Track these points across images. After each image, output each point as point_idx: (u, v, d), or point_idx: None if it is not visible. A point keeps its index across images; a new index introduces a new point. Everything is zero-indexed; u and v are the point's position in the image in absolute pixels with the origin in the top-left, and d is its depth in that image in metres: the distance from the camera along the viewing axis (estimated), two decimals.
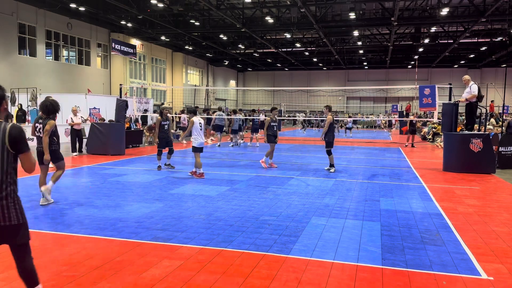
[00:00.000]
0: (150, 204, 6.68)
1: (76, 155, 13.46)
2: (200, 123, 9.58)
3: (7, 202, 2.82)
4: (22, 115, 18.19)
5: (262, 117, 21.26)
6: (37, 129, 6.90)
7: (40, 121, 6.87)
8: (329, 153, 10.75)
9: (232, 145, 18.14)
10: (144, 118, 22.26)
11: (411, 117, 21.21)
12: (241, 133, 19.49)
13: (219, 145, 18.09)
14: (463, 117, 14.83)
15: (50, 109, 6.76)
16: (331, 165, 10.79)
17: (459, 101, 11.40)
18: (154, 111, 24.11)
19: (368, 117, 39.97)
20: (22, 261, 2.93)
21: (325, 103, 12.91)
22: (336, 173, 10.42)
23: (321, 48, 38.59)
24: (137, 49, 34.28)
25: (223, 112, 19.67)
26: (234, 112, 19.90)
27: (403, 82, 47.90)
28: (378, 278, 3.88)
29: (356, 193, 7.88)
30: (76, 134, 13.73)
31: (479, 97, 11.19)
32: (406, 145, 18.79)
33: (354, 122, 34.70)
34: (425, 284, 3.78)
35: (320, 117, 35.93)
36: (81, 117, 14.11)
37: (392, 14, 24.80)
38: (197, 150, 9.47)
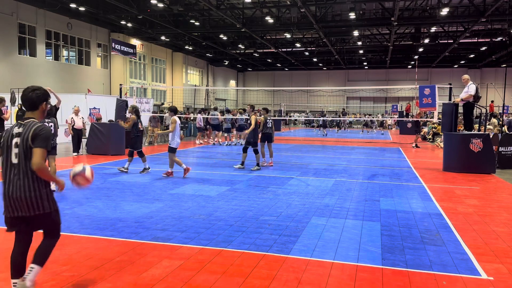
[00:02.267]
0: (150, 204, 6.68)
1: (76, 155, 13.46)
2: (179, 123, 9.56)
3: (35, 193, 3.15)
4: (22, 115, 18.11)
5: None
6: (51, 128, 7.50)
7: (48, 120, 7.49)
8: (256, 151, 10.87)
9: (227, 144, 18.67)
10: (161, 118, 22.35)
11: (415, 117, 21.14)
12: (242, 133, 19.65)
13: (214, 144, 18.63)
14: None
15: (50, 111, 7.54)
16: (257, 164, 10.89)
17: (456, 101, 11.39)
18: (161, 111, 24.10)
19: (361, 117, 39.76)
20: (47, 241, 3.32)
21: (325, 103, 13.00)
22: (336, 173, 10.42)
23: (321, 48, 38.58)
24: (137, 49, 34.29)
25: (219, 112, 19.84)
26: (228, 111, 20.12)
27: (403, 82, 47.90)
28: (378, 278, 3.88)
29: (356, 193, 7.88)
30: (77, 134, 13.71)
31: (476, 98, 11.18)
32: (413, 146, 18.53)
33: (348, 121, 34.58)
34: (425, 284, 3.78)
35: (318, 117, 35.94)
36: (82, 117, 14.10)
37: (392, 14, 24.80)
38: (174, 151, 9.42)
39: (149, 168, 10.17)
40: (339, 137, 27.05)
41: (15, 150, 3.16)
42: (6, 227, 3.28)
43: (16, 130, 3.20)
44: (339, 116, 37.26)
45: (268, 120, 11.52)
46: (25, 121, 3.25)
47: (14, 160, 3.16)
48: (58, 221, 3.39)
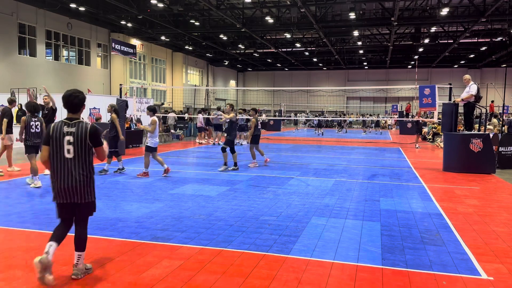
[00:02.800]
0: (150, 204, 6.68)
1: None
2: (158, 123, 9.51)
3: (84, 184, 3.74)
4: (22, 115, 18.16)
5: (263, 116, 21.46)
6: (33, 126, 8.18)
7: (35, 119, 8.18)
8: (232, 151, 10.72)
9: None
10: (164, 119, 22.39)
11: (416, 118, 21.13)
12: (245, 133, 19.64)
13: (214, 144, 18.66)
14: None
15: (37, 108, 8.26)
16: (235, 164, 10.76)
17: (456, 101, 11.39)
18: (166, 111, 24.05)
19: (358, 118, 39.68)
20: (82, 229, 3.86)
21: (325, 103, 13.03)
22: (336, 173, 10.42)
23: (321, 48, 38.58)
24: (137, 49, 34.28)
25: (222, 111, 19.76)
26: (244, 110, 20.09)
27: (403, 82, 47.91)
28: (378, 278, 3.88)
29: (356, 193, 7.88)
30: None
31: (477, 98, 11.18)
32: (416, 147, 18.47)
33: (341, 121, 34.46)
34: (425, 284, 3.78)
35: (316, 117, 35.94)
36: (82, 118, 14.08)
37: (392, 14, 24.80)
38: (153, 150, 9.39)
39: (123, 168, 10.02)
40: (339, 137, 27.05)
41: (67, 147, 3.72)
42: (56, 212, 3.85)
43: (67, 129, 3.74)
44: (340, 116, 37.24)
45: (257, 121, 11.57)
46: (72, 121, 3.80)
47: (67, 155, 3.72)
48: (94, 210, 3.97)
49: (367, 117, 35.70)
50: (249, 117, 20.10)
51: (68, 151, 3.72)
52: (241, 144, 18.89)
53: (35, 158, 8.29)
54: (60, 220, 3.85)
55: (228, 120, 10.80)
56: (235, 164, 10.75)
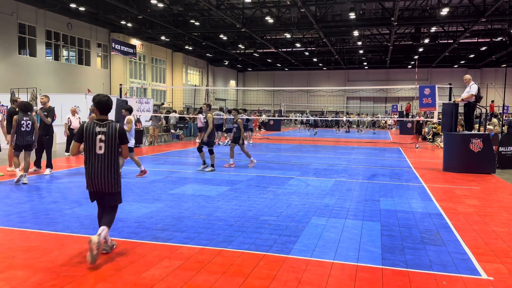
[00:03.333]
0: (150, 204, 6.68)
1: (68, 155, 13.44)
2: (134, 122, 9.46)
3: (113, 177, 4.35)
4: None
5: (263, 116, 21.42)
6: (24, 125, 8.31)
7: (25, 118, 8.32)
8: (211, 152, 10.54)
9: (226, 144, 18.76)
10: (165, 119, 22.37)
11: (417, 118, 21.08)
12: (244, 133, 19.66)
13: (218, 144, 18.52)
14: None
15: (28, 108, 8.47)
16: (212, 165, 10.57)
17: (456, 101, 11.40)
18: (167, 111, 23.99)
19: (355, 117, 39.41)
20: (110, 216, 4.40)
21: (325, 103, 12.96)
22: (336, 173, 10.42)
23: (321, 48, 38.58)
24: (137, 49, 34.29)
25: (224, 112, 19.75)
26: (229, 112, 20.03)
27: (403, 82, 47.91)
28: (378, 278, 3.88)
29: (356, 193, 7.88)
30: (72, 134, 13.65)
31: (478, 98, 11.18)
32: (417, 147, 18.45)
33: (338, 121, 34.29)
34: (425, 284, 3.78)
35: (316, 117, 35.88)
36: (79, 117, 14.06)
37: (392, 14, 24.81)
38: (132, 150, 9.37)
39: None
40: (339, 137, 27.05)
41: (99, 144, 4.28)
42: (90, 197, 4.50)
43: (98, 129, 4.30)
44: (337, 116, 37.16)
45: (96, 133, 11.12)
46: (103, 122, 4.34)
47: (99, 151, 4.29)
48: (120, 200, 4.53)
49: (363, 117, 35.64)
50: (248, 118, 20.17)
51: (100, 148, 4.29)
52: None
53: (30, 155, 8.59)
54: (98, 205, 4.52)
55: (205, 120, 10.63)
56: (213, 165, 10.53)
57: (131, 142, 9.28)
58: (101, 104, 4.39)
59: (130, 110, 9.38)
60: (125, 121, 9.26)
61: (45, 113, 9.50)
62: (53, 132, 9.94)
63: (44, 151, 9.66)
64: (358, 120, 34.14)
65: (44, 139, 9.44)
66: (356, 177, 9.83)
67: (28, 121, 8.37)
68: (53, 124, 9.96)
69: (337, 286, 3.72)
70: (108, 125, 4.32)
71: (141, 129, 18.16)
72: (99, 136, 4.29)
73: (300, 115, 41.54)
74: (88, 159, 4.34)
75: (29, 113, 8.51)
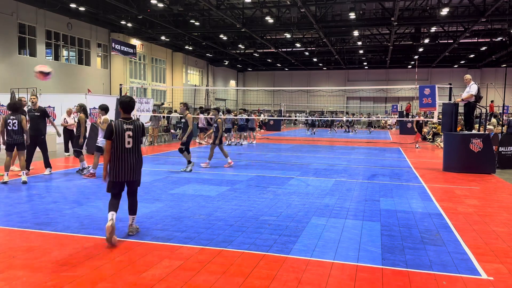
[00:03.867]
0: (150, 204, 6.68)
1: (68, 155, 13.44)
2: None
3: (137, 167, 5.06)
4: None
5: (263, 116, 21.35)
6: (11, 124, 8.38)
7: (13, 117, 8.40)
8: (187, 150, 10.42)
9: (228, 144, 18.79)
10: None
11: (417, 118, 21.07)
12: (245, 133, 19.66)
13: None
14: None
15: (18, 107, 8.64)
16: (189, 161, 10.46)
17: (456, 101, 11.39)
18: (169, 111, 23.91)
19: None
20: (134, 198, 5.15)
21: (325, 103, 12.87)
22: (336, 173, 10.42)
23: (321, 48, 38.57)
24: (137, 49, 34.27)
25: (224, 112, 19.74)
26: (228, 111, 20.00)
27: (403, 82, 47.89)
28: (378, 278, 3.88)
29: (356, 193, 7.88)
30: (69, 134, 13.60)
31: (478, 98, 11.18)
32: (417, 147, 18.46)
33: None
34: (425, 284, 3.78)
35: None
36: (74, 118, 14.05)
37: (392, 14, 24.80)
38: (101, 150, 9.19)
39: (84, 169, 9.84)
40: (339, 137, 27.05)
41: (128, 139, 4.96)
42: (110, 189, 4.96)
43: (126, 126, 4.97)
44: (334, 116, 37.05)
45: (125, 131, 10.80)
46: (128, 120, 5.01)
47: (128, 146, 4.97)
48: (139, 184, 5.20)
49: (361, 117, 35.36)
50: (248, 117, 20.18)
51: (128, 142, 4.97)
52: (241, 144, 18.91)
53: (24, 154, 8.63)
54: (112, 195, 4.96)
55: (185, 120, 10.42)
56: (189, 161, 10.46)
57: (101, 141, 9.27)
58: (124, 104, 5.03)
59: (106, 110, 9.32)
60: (101, 120, 9.19)
61: (37, 114, 9.51)
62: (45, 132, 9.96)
63: (41, 152, 9.60)
64: (352, 120, 33.79)
65: (39, 139, 9.46)
66: (356, 177, 9.83)
67: (14, 120, 8.42)
68: (55, 123, 9.99)
69: (337, 286, 3.72)
70: (133, 123, 5.03)
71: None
72: (127, 133, 4.95)
73: (303, 114, 41.48)
74: (118, 153, 4.92)
75: (16, 112, 8.57)
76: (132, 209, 5.10)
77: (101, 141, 9.31)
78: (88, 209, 6.36)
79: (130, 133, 4.97)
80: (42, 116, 9.55)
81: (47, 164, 9.59)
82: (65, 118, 13.65)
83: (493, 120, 17.98)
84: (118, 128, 4.92)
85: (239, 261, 4.25)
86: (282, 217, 5.98)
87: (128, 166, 4.95)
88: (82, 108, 10.10)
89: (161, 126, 20.23)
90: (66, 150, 13.67)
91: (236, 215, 6.09)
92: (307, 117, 37.12)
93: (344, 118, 32.12)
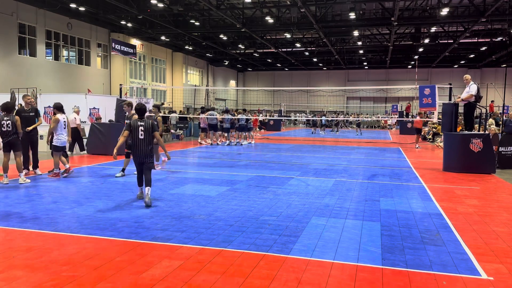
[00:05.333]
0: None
1: (71, 154, 13.42)
2: (64, 121, 9.26)
3: (148, 153, 6.92)
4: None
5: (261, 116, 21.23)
6: (5, 124, 8.38)
7: (6, 118, 8.41)
8: (128, 155, 9.53)
9: (228, 144, 18.82)
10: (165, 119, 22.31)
11: (418, 118, 21.04)
12: (244, 133, 19.64)
13: (211, 144, 18.72)
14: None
15: (10, 108, 8.64)
16: (123, 169, 9.68)
17: (457, 101, 11.39)
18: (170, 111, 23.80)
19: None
20: (148, 175, 6.84)
21: (325, 103, 12.82)
22: (336, 173, 10.42)
23: (321, 48, 38.57)
24: (137, 49, 34.27)
25: (223, 112, 19.70)
26: (227, 111, 19.90)
27: (403, 82, 47.91)
28: (378, 278, 3.88)
29: (356, 193, 7.88)
30: (75, 134, 13.62)
31: (478, 98, 11.18)
32: (416, 147, 18.43)
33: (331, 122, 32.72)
34: (425, 284, 3.78)
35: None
36: (74, 118, 14.05)
37: (392, 14, 24.80)
38: (59, 149, 9.23)
39: (69, 170, 9.71)
40: (338, 137, 27.05)
41: (141, 132, 6.84)
42: (135, 166, 7.05)
43: (140, 123, 6.89)
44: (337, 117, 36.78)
45: (139, 127, 10.08)
46: (142, 119, 6.94)
47: (141, 137, 6.85)
48: (153, 166, 7.15)
49: (351, 117, 34.54)
50: (248, 118, 20.15)
51: (141, 134, 6.83)
52: (241, 144, 18.90)
53: (20, 155, 8.65)
54: (137, 171, 7.04)
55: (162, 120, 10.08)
56: (123, 170, 9.68)
57: (61, 141, 9.21)
58: (138, 109, 7.02)
59: (58, 109, 9.31)
60: (52, 120, 9.21)
61: (32, 113, 9.52)
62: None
63: (31, 151, 9.59)
64: (336, 120, 32.64)
65: (34, 138, 9.47)
66: (356, 177, 9.83)
67: (8, 121, 8.43)
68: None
69: (337, 286, 3.72)
70: (145, 121, 6.92)
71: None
72: (140, 128, 6.85)
73: (302, 114, 41.24)
74: (134, 142, 6.89)
75: (10, 113, 8.58)
76: (147, 183, 6.73)
77: (56, 140, 9.19)
78: (88, 209, 6.36)
79: (142, 127, 6.84)
80: (36, 116, 9.57)
81: (37, 165, 9.63)
82: (75, 117, 13.68)
83: (490, 120, 17.95)
84: (135, 124, 6.88)
85: (239, 261, 4.25)
86: (282, 217, 5.98)
87: (141, 151, 6.84)
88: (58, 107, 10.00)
89: (163, 127, 20.14)
90: (71, 149, 13.64)
91: (236, 215, 6.09)
92: (307, 117, 37.01)
93: (324, 118, 30.99)
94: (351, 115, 40.71)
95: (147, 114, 7.49)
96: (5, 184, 8.29)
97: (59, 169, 9.35)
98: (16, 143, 8.55)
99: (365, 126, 40.92)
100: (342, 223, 5.74)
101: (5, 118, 8.45)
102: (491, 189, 8.60)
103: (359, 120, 33.24)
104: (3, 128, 8.45)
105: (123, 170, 9.69)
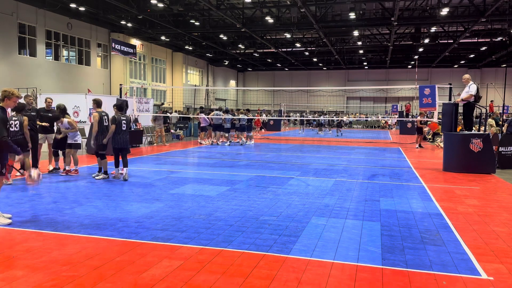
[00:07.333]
0: (150, 204, 6.68)
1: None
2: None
3: (128, 141, 9.21)
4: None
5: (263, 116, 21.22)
6: (13, 125, 8.32)
7: (14, 118, 8.37)
8: (103, 156, 9.24)
9: (229, 144, 18.84)
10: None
11: (419, 118, 21.04)
12: (245, 133, 19.65)
13: (212, 144, 18.69)
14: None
15: (19, 108, 8.54)
16: (105, 172, 9.23)
17: (456, 101, 11.39)
18: (167, 111, 23.90)
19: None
20: (125, 158, 9.07)
21: (325, 103, 12.82)
22: (336, 173, 10.42)
23: (321, 48, 38.59)
24: (137, 49, 34.29)
25: (223, 112, 19.68)
26: (227, 111, 19.92)
27: (403, 82, 47.92)
28: (378, 278, 3.88)
29: (356, 193, 7.88)
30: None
31: (477, 98, 11.18)
32: (417, 147, 18.45)
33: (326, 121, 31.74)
34: (425, 284, 3.78)
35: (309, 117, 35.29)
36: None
37: (392, 14, 24.82)
38: (79, 147, 9.91)
39: (59, 169, 9.72)
40: (338, 137, 27.05)
41: (123, 124, 8.87)
42: (114, 152, 9.04)
43: (122, 117, 8.92)
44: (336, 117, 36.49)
45: (122, 120, 9.03)
46: (122, 113, 9.03)
47: (123, 128, 8.89)
48: (129, 151, 9.32)
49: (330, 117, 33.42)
50: (250, 118, 20.16)
51: (124, 126, 8.89)
52: (241, 144, 18.91)
53: (14, 156, 8.37)
54: (115, 155, 9.10)
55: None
56: (105, 172, 9.26)
57: (79, 139, 9.92)
58: (118, 106, 9.13)
59: (99, 104, 9.40)
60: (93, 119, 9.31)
61: (33, 113, 9.52)
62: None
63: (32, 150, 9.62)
64: (320, 119, 31.79)
65: (37, 138, 9.47)
66: (356, 177, 9.83)
67: (16, 121, 8.42)
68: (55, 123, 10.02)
69: (337, 286, 3.72)
70: (126, 116, 8.95)
71: (141, 129, 18.16)
72: (123, 121, 8.86)
73: (299, 114, 41.05)
74: (117, 132, 8.78)
75: (19, 114, 8.60)
76: (125, 163, 8.84)
77: (79, 138, 10.02)
78: (88, 209, 6.36)
79: (125, 121, 8.88)
80: (36, 116, 9.59)
81: (37, 165, 9.63)
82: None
83: (489, 120, 17.95)
84: (119, 118, 8.80)
85: (239, 261, 4.25)
86: (282, 217, 5.98)
87: (122, 140, 8.89)
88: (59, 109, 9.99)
89: (164, 127, 20.15)
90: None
91: (236, 215, 6.09)
92: (307, 117, 36.92)
93: (311, 118, 30.39)
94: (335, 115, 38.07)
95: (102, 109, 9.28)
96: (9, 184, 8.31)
97: (76, 166, 9.68)
98: (24, 143, 8.46)
99: (365, 126, 40.76)
100: (342, 223, 5.74)
101: (13, 118, 8.43)
102: (491, 189, 8.60)
103: (339, 119, 30.74)
104: (11, 128, 8.44)
105: (105, 172, 9.20)
